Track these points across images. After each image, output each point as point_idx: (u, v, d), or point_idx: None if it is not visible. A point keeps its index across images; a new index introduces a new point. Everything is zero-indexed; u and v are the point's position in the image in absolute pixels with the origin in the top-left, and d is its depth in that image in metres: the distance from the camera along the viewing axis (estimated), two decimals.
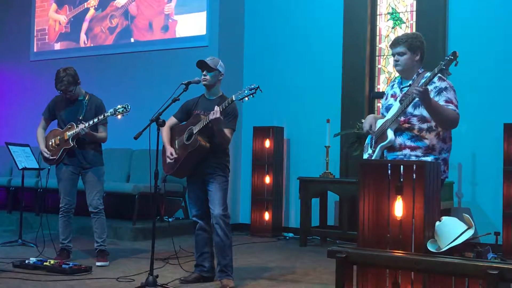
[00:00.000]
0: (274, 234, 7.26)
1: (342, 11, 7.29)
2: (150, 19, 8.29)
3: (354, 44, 7.21)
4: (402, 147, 3.63)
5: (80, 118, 5.11)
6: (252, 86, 4.20)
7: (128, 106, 5.01)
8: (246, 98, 4.22)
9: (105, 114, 5.03)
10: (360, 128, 6.21)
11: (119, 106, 5.01)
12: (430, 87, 3.61)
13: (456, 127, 3.64)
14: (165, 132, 4.55)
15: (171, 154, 4.44)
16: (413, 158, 3.55)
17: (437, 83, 3.63)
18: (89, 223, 6.51)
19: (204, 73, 4.48)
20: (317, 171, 6.99)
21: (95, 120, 5.04)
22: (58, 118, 5.31)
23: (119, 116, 5.02)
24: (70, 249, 5.31)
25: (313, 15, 7.52)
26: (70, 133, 5.08)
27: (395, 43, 3.77)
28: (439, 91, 3.61)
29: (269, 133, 7.39)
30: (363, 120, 4.18)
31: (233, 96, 4.26)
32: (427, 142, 3.60)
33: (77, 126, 5.06)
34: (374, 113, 7.14)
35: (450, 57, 3.43)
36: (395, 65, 3.78)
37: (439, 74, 3.56)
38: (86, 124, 5.02)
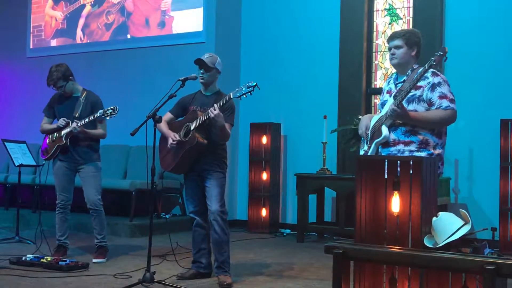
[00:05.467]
0: (271, 230, 7.26)
1: (339, 7, 7.28)
2: (146, 15, 8.27)
3: (351, 40, 7.20)
4: (396, 142, 3.64)
5: (76, 115, 5.11)
6: (250, 84, 4.19)
7: (116, 109, 4.98)
8: (244, 96, 4.21)
9: (95, 115, 5.01)
10: (357, 124, 6.22)
11: (108, 108, 4.98)
12: (423, 83, 3.62)
13: (454, 122, 3.64)
14: (163, 125, 4.53)
15: (174, 136, 4.42)
16: (407, 153, 3.56)
17: (430, 78, 3.63)
18: (86, 219, 6.52)
19: (202, 71, 4.47)
20: (314, 167, 6.99)
21: (86, 119, 5.02)
22: (56, 114, 5.30)
23: (108, 117, 5.02)
24: (67, 245, 5.31)
25: (310, 11, 7.51)
26: (64, 130, 5.08)
27: (392, 37, 3.79)
28: (433, 87, 3.61)
29: (266, 129, 7.39)
30: (360, 116, 4.20)
31: (231, 94, 4.25)
32: (420, 137, 3.60)
33: (72, 124, 5.06)
34: (371, 109, 7.15)
35: (440, 53, 3.46)
36: (391, 59, 3.79)
37: (433, 69, 3.58)
38: (79, 123, 5.01)
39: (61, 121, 5.11)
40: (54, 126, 5.23)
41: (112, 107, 4.98)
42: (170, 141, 4.43)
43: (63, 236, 5.26)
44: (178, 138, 4.40)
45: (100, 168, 5.28)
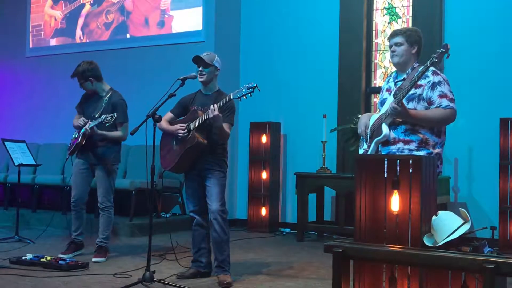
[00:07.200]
0: (271, 229, 7.26)
1: (339, 6, 7.28)
2: (146, 15, 8.26)
3: (351, 39, 7.20)
4: (396, 141, 3.64)
5: (96, 115, 5.16)
6: (250, 85, 4.19)
7: (114, 116, 5.01)
8: (244, 97, 4.21)
9: (98, 120, 5.05)
10: (356, 123, 6.23)
11: (108, 115, 5.01)
12: (424, 81, 3.62)
13: (453, 121, 3.65)
14: (164, 123, 4.53)
15: (181, 126, 4.39)
16: (406, 152, 3.56)
17: (431, 77, 3.64)
18: (89, 219, 6.53)
19: (200, 69, 4.47)
20: (314, 166, 6.99)
21: (96, 122, 5.06)
22: (84, 112, 5.36)
23: (108, 124, 5.06)
24: (79, 242, 5.35)
25: (310, 10, 7.51)
26: (82, 130, 5.13)
27: (393, 34, 3.80)
28: (433, 86, 3.61)
29: (266, 128, 7.39)
30: (359, 115, 4.20)
31: (231, 94, 4.25)
32: (420, 135, 3.61)
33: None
34: (370, 108, 7.16)
35: (442, 49, 3.45)
36: (392, 56, 3.79)
37: (433, 68, 3.58)
38: (91, 124, 5.06)
39: (81, 121, 5.19)
40: (78, 123, 5.30)
41: (111, 114, 5.02)
42: (180, 132, 4.38)
43: (76, 232, 5.32)
44: (185, 126, 4.37)
45: (114, 171, 5.30)
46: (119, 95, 5.33)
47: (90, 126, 5.06)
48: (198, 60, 4.47)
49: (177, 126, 4.43)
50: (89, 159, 5.25)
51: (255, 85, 4.17)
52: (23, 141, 6.62)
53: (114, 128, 5.22)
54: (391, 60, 3.87)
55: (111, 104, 5.22)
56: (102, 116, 5.03)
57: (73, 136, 5.33)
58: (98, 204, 5.26)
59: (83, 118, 5.21)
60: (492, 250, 3.23)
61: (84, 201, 5.32)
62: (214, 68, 4.49)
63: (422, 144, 3.60)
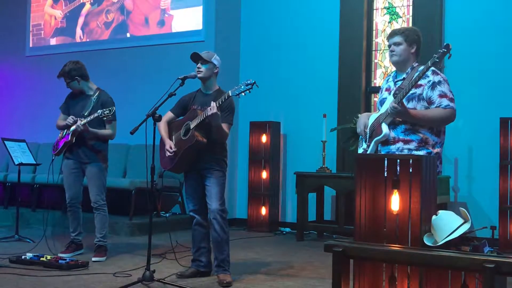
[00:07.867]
0: (271, 229, 7.26)
1: (339, 5, 7.28)
2: (146, 14, 8.26)
3: (351, 38, 7.20)
4: (395, 141, 3.64)
5: (85, 114, 5.15)
6: (249, 82, 4.19)
7: (112, 110, 5.02)
8: (243, 94, 4.21)
9: (94, 115, 5.04)
10: (356, 123, 6.23)
11: (105, 109, 5.01)
12: (423, 81, 3.62)
13: (453, 121, 3.65)
14: (162, 126, 4.55)
15: (170, 148, 4.44)
16: (406, 152, 3.56)
17: (430, 77, 3.64)
18: (85, 218, 6.53)
19: (198, 65, 4.47)
20: (314, 166, 6.99)
21: (88, 118, 5.06)
22: (70, 111, 5.34)
23: (105, 118, 5.06)
24: (78, 242, 5.36)
25: (310, 10, 7.51)
26: (72, 128, 5.11)
27: (392, 34, 3.80)
28: (433, 85, 3.61)
29: (266, 128, 7.39)
30: (359, 115, 4.19)
31: (229, 92, 4.25)
32: (420, 135, 3.61)
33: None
34: (370, 108, 7.16)
35: (443, 49, 3.45)
36: (391, 56, 3.79)
37: (433, 68, 3.58)
38: (83, 121, 5.04)
39: (69, 119, 5.17)
40: (65, 122, 5.26)
41: (109, 108, 5.02)
42: (167, 153, 4.45)
43: (74, 232, 5.34)
44: (174, 149, 4.41)
45: (105, 169, 5.31)
46: (107, 94, 5.32)
47: (82, 123, 5.04)
48: (196, 57, 4.47)
49: (168, 145, 4.45)
50: (79, 158, 5.23)
51: (253, 81, 4.17)
52: (23, 140, 6.62)
53: (103, 127, 5.21)
54: (390, 60, 3.87)
55: (101, 103, 5.20)
56: (99, 111, 5.01)
57: (59, 136, 5.30)
58: (92, 204, 5.23)
59: (72, 116, 5.17)
60: (492, 249, 3.22)
61: (79, 201, 5.32)
62: (213, 65, 4.49)
63: (422, 144, 3.60)
